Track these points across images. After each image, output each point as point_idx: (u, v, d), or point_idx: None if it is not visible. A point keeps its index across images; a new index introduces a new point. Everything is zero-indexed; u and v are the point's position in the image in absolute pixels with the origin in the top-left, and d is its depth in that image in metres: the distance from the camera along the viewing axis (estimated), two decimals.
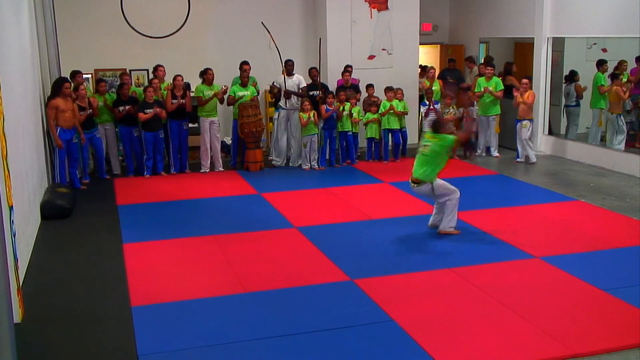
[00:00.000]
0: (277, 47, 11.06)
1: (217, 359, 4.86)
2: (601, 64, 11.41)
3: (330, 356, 4.86)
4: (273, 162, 11.56)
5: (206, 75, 10.88)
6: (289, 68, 11.34)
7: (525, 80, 11.54)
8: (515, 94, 11.46)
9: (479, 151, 12.13)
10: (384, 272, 6.46)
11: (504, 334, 5.14)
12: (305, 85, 11.49)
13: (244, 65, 11.12)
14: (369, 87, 11.93)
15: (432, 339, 5.04)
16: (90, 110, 10.18)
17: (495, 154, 12.08)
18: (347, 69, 11.93)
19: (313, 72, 11.60)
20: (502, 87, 11.77)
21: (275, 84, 11.43)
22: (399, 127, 11.65)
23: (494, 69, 12.00)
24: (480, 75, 12.11)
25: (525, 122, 11.39)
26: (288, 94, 11.28)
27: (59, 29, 10.69)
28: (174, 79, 10.80)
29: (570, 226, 7.91)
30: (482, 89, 11.76)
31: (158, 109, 10.40)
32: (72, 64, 11.14)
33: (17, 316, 5.32)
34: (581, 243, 7.26)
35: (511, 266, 6.60)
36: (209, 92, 10.83)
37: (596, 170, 10.89)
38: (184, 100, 10.70)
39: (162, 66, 11.15)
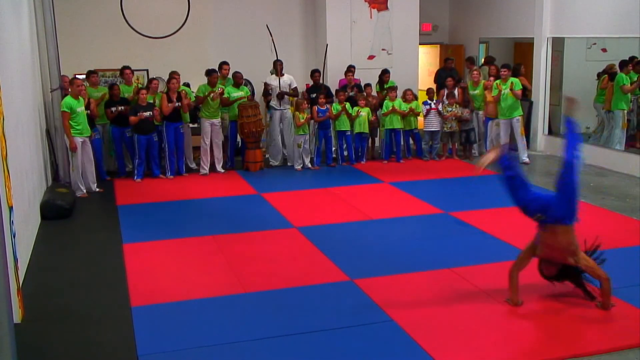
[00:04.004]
0: (276, 50, 11.07)
1: (217, 359, 4.86)
2: (625, 64, 11.18)
3: (330, 356, 4.86)
4: (271, 162, 11.59)
5: (210, 78, 10.79)
6: (278, 68, 11.36)
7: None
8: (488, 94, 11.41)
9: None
10: (384, 272, 6.46)
11: (504, 334, 5.14)
12: (296, 85, 11.58)
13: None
14: (367, 86, 11.94)
15: (432, 339, 5.04)
16: (88, 110, 10.06)
17: (525, 159, 11.33)
18: (350, 69, 11.96)
19: (315, 75, 11.67)
20: (520, 87, 11.23)
21: (267, 83, 11.50)
22: (401, 127, 11.64)
23: (510, 70, 11.39)
24: (496, 77, 11.59)
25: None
26: (281, 95, 11.30)
27: (59, 29, 10.65)
28: (168, 81, 10.67)
29: None
30: (498, 91, 11.24)
31: (147, 113, 10.17)
32: (72, 64, 11.14)
33: (17, 316, 5.32)
34: (581, 243, 7.22)
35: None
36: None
37: (596, 170, 10.89)
38: (179, 104, 10.52)
39: (177, 74, 10.85)
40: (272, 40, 10.98)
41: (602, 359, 4.78)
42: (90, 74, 10.74)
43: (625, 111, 11.19)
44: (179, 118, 10.67)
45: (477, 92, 11.76)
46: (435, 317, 5.45)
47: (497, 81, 11.42)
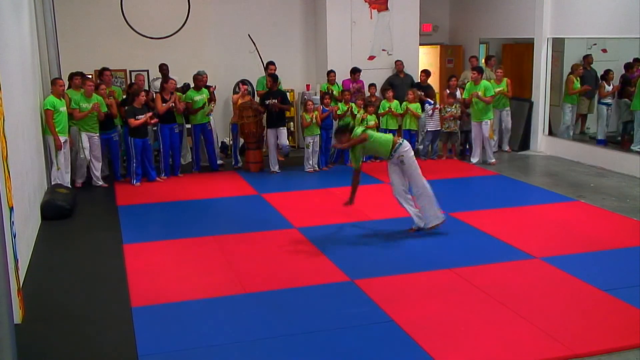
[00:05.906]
0: (260, 57, 11.00)
1: (217, 359, 4.87)
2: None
3: (330, 356, 4.86)
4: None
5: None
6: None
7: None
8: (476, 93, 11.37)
9: (474, 160, 11.49)
10: (384, 272, 6.46)
11: (504, 334, 5.14)
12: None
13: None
14: (371, 86, 11.96)
15: (432, 339, 5.04)
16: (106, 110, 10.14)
17: (491, 160, 11.43)
18: (357, 71, 12.02)
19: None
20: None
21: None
22: (396, 128, 11.63)
23: (480, 73, 11.45)
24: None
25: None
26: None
27: (59, 29, 10.69)
28: (166, 82, 10.63)
29: (570, 226, 7.92)
30: (470, 94, 11.35)
31: (149, 115, 10.07)
32: (72, 64, 11.14)
33: (17, 317, 5.32)
34: (581, 243, 7.26)
35: (511, 266, 6.60)
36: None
37: (596, 170, 10.89)
38: (173, 103, 10.42)
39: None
40: (256, 48, 10.90)
41: (602, 359, 4.79)
42: (103, 71, 10.82)
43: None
44: (173, 119, 10.62)
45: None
46: (435, 317, 5.45)
47: (469, 84, 11.51)
